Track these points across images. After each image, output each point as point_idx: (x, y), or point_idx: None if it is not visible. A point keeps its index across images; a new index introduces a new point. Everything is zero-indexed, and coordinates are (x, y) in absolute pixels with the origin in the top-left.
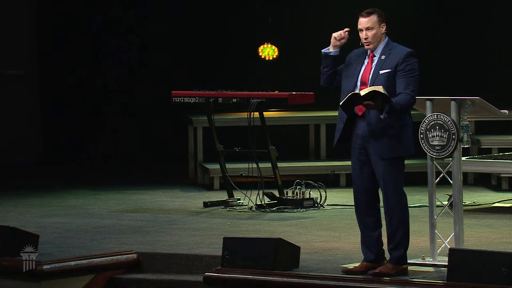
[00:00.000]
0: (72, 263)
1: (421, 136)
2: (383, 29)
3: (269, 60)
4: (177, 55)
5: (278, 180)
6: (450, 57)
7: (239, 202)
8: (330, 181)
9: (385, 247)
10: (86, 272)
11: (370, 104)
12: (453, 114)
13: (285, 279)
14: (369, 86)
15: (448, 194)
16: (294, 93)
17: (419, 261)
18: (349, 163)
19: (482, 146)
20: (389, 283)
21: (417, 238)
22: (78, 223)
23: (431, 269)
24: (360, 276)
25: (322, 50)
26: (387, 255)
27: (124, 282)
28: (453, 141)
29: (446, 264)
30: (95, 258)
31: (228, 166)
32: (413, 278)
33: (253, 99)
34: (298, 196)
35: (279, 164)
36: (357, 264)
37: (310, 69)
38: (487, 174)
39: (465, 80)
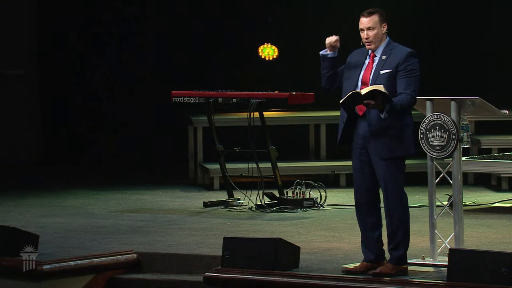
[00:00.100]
0: (72, 263)
1: (421, 136)
2: (384, 29)
3: (269, 60)
4: (177, 55)
5: (278, 180)
6: (450, 57)
7: (239, 202)
8: (330, 181)
9: (385, 247)
10: (86, 272)
11: (370, 103)
12: (453, 114)
13: (285, 279)
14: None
15: (448, 194)
16: (294, 93)
17: (419, 261)
18: (349, 163)
19: (482, 146)
20: (389, 283)
21: (417, 238)
22: (78, 223)
23: (431, 269)
24: (360, 276)
25: (320, 53)
26: (387, 255)
27: (124, 282)
28: (453, 141)
29: (446, 264)
30: (95, 258)
31: (228, 166)
32: (413, 278)
33: (253, 99)
34: (298, 196)
35: (279, 164)
36: (357, 264)
37: (310, 69)
38: (487, 174)
39: (465, 80)
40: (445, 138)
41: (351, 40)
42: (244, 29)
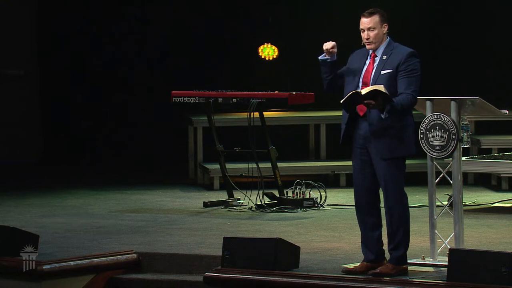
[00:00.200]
0: (72, 263)
1: (421, 136)
2: (385, 29)
3: (269, 60)
4: (177, 55)
5: (278, 180)
6: (450, 57)
7: (239, 202)
8: (330, 181)
9: (385, 247)
10: (86, 272)
11: (371, 103)
12: (453, 114)
13: (285, 279)
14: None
15: (448, 194)
16: (294, 93)
17: (419, 261)
18: (349, 163)
19: (482, 146)
20: (389, 283)
21: (417, 238)
22: (78, 223)
23: (431, 269)
24: (360, 276)
25: (319, 58)
26: (387, 255)
27: (124, 282)
28: (453, 141)
29: (446, 264)
30: (95, 258)
31: (228, 166)
32: (413, 278)
33: (253, 99)
34: (298, 196)
35: (279, 164)
36: (357, 264)
37: (310, 69)
38: (487, 174)
39: (465, 80)
40: (445, 138)
41: (352, 41)
42: (244, 29)
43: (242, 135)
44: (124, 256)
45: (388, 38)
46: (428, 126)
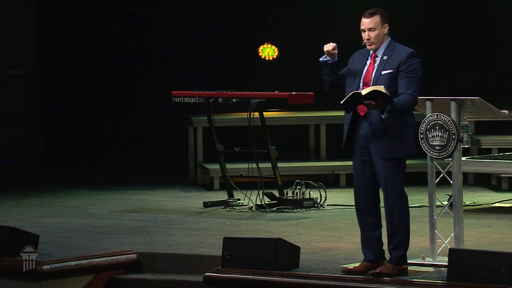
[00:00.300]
0: (72, 263)
1: (421, 136)
2: (386, 30)
3: (269, 60)
4: (177, 55)
5: (278, 180)
6: (450, 57)
7: (239, 202)
8: (330, 181)
9: (385, 247)
10: (86, 272)
11: (371, 104)
12: (453, 114)
13: (285, 279)
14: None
15: (448, 194)
16: (294, 93)
17: (419, 261)
18: (349, 163)
19: (482, 146)
20: (389, 283)
21: (417, 238)
22: (78, 223)
23: (431, 269)
24: (360, 276)
25: (320, 59)
26: (387, 255)
27: (124, 282)
28: (453, 141)
29: (446, 264)
30: (95, 258)
31: (228, 166)
32: (413, 278)
33: (253, 99)
34: (298, 196)
35: (279, 164)
36: (357, 264)
37: (310, 69)
38: (487, 174)
39: (465, 80)
40: (445, 138)
41: (352, 41)
42: (244, 29)
43: (242, 135)
44: (124, 256)
45: (389, 38)
46: (428, 126)
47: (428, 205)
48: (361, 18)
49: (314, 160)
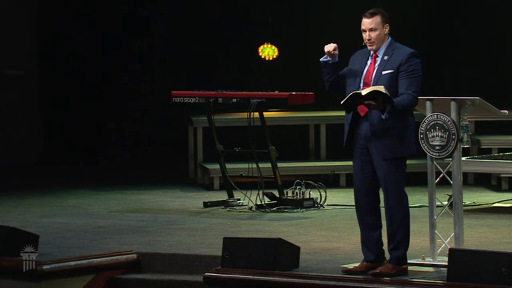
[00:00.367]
0: (72, 263)
1: (421, 136)
2: (387, 30)
3: (269, 60)
4: (177, 55)
5: (278, 180)
6: (450, 57)
7: (239, 202)
8: (330, 181)
9: (385, 247)
10: (86, 272)
11: (371, 104)
12: (453, 114)
13: (285, 279)
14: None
15: (448, 194)
16: (294, 93)
17: (419, 261)
18: (349, 163)
19: (482, 146)
20: (389, 283)
21: (417, 238)
22: (78, 223)
23: (431, 269)
24: (360, 276)
25: (320, 59)
26: (387, 255)
27: (124, 282)
28: (453, 141)
29: (446, 264)
30: (95, 258)
31: (228, 166)
32: (413, 278)
33: (253, 99)
34: (298, 196)
35: (279, 164)
36: (357, 264)
37: (310, 69)
38: (487, 174)
39: (465, 80)
40: (445, 138)
41: (352, 41)
42: (244, 29)
43: (242, 135)
44: (124, 256)
45: (390, 38)
46: (428, 126)
47: (428, 205)
48: (361, 18)
49: (314, 160)
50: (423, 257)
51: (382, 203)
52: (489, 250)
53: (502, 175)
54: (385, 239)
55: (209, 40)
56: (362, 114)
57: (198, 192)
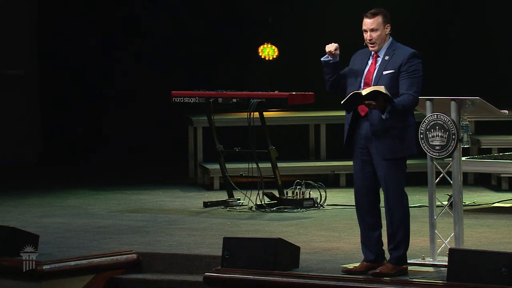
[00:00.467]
0: (72, 263)
1: (421, 136)
2: (388, 30)
3: (269, 60)
4: (177, 55)
5: (278, 180)
6: (450, 57)
7: (239, 202)
8: (330, 181)
9: (385, 247)
10: (86, 272)
11: (371, 104)
12: (453, 114)
13: (285, 279)
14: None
15: (448, 194)
16: (294, 93)
17: (419, 261)
18: (349, 163)
19: (482, 146)
20: (389, 283)
21: (417, 238)
22: (78, 223)
23: (431, 269)
24: (360, 276)
25: (321, 59)
26: (387, 255)
27: (124, 282)
28: (453, 141)
29: (446, 264)
30: (95, 258)
31: (228, 166)
32: (413, 278)
33: (253, 99)
34: (298, 196)
35: (279, 164)
36: (357, 264)
37: (310, 69)
38: (487, 174)
39: (465, 80)
40: (445, 138)
41: (352, 41)
42: (244, 29)
43: (242, 135)
44: (124, 256)
45: (391, 38)
46: (428, 126)
47: (428, 205)
48: (363, 18)
49: (314, 160)
50: (423, 257)
51: (382, 203)
52: (489, 250)
53: (502, 175)
54: (385, 239)
55: (209, 40)
56: (362, 114)
57: (198, 192)
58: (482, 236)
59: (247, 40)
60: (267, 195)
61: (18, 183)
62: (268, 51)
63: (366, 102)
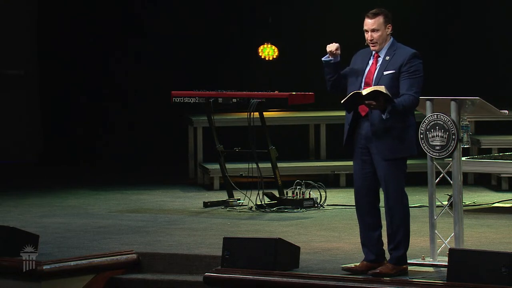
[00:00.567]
0: (72, 263)
1: (421, 136)
2: (389, 30)
3: (269, 60)
4: (177, 55)
5: (278, 180)
6: (450, 57)
7: (239, 202)
8: (330, 181)
9: (385, 247)
10: (86, 272)
11: (372, 104)
12: (453, 114)
13: (285, 279)
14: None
15: (448, 194)
16: (294, 93)
17: (419, 261)
18: (349, 163)
19: (482, 146)
20: (389, 283)
21: (417, 238)
22: (78, 223)
23: (431, 269)
24: (360, 276)
25: (322, 59)
26: (387, 255)
27: (124, 282)
28: (453, 141)
29: (446, 264)
30: (95, 258)
31: (228, 166)
32: (413, 278)
33: (253, 99)
34: (298, 196)
35: (279, 164)
36: (357, 264)
37: (310, 69)
38: (487, 174)
39: (465, 80)
40: (445, 138)
41: (353, 41)
42: (244, 29)
43: (242, 135)
44: (124, 256)
45: (391, 38)
46: (428, 126)
47: (428, 205)
48: (364, 19)
49: (314, 160)
50: (423, 257)
51: (382, 203)
52: (489, 250)
53: (502, 175)
54: (385, 239)
55: (209, 40)
56: (363, 114)
57: (198, 192)
58: (482, 236)
59: (247, 40)
60: (267, 195)
61: (18, 183)
62: (268, 51)
63: (366, 102)
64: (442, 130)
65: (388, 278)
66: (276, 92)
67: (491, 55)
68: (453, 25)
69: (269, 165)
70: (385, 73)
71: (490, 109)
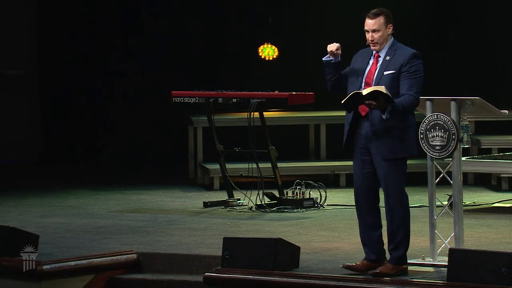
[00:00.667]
0: (72, 263)
1: (421, 136)
2: (390, 30)
3: (269, 60)
4: (177, 55)
5: (278, 180)
6: (450, 57)
7: (239, 202)
8: (330, 181)
9: (385, 247)
10: (86, 272)
11: (372, 104)
12: (453, 114)
13: (285, 279)
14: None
15: (448, 194)
16: (294, 93)
17: (419, 261)
18: (349, 163)
19: (482, 146)
20: (389, 283)
21: (417, 238)
22: (78, 223)
23: (431, 269)
24: (360, 276)
25: (323, 59)
26: (387, 255)
27: (124, 282)
28: (453, 141)
29: (446, 264)
30: (95, 258)
31: (228, 166)
32: (413, 278)
33: (253, 99)
34: (298, 196)
35: (279, 164)
36: (358, 263)
37: (310, 69)
38: (487, 174)
39: (465, 80)
40: (445, 138)
41: (353, 41)
42: (244, 29)
43: (242, 135)
44: (124, 256)
45: (392, 38)
46: (428, 126)
47: (428, 205)
48: (364, 19)
49: (314, 160)
50: (423, 257)
51: (382, 203)
52: (489, 250)
53: (502, 175)
54: (385, 239)
55: (209, 40)
56: (363, 114)
57: (198, 192)
58: (482, 236)
59: (247, 40)
60: (267, 195)
61: (18, 183)
62: (268, 51)
63: (366, 102)
64: (442, 130)
65: (388, 278)
66: (276, 92)
67: (491, 55)
68: (453, 25)
69: (269, 165)
70: (386, 73)
71: (490, 109)
